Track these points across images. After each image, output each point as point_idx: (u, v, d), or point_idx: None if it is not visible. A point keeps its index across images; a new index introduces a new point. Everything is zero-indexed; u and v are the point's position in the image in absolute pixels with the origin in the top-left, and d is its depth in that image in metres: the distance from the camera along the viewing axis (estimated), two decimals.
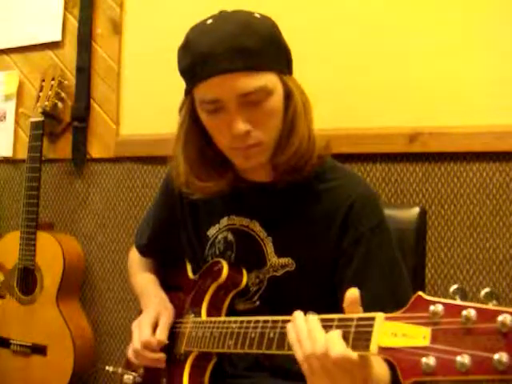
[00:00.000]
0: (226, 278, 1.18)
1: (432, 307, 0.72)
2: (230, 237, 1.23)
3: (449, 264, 1.71)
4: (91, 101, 2.25)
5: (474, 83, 1.68)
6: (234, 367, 1.22)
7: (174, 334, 1.24)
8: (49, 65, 2.29)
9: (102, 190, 2.24)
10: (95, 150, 2.25)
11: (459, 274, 1.70)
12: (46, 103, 2.18)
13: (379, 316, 0.79)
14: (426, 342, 0.71)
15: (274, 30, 1.11)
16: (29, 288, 2.11)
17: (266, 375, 1.19)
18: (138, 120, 2.17)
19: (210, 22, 1.09)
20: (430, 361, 0.69)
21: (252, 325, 1.02)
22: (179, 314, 1.26)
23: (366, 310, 0.85)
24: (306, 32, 1.84)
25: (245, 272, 1.20)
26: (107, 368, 1.33)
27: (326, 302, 1.02)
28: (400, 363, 0.73)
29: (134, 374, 1.27)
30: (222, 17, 1.10)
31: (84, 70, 2.24)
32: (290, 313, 0.92)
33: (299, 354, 0.86)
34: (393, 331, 0.76)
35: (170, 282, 1.37)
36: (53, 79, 2.21)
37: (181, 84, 1.14)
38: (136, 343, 1.20)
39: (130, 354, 1.23)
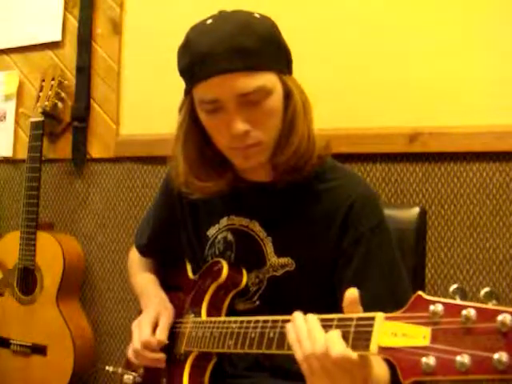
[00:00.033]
0: (226, 277, 1.18)
1: (432, 307, 0.71)
2: (230, 237, 1.23)
3: (449, 264, 1.71)
4: (91, 101, 2.25)
5: (473, 83, 1.68)
6: (234, 367, 1.21)
7: (174, 334, 1.23)
8: (49, 65, 2.29)
9: (102, 189, 2.24)
10: (95, 150, 2.25)
11: (459, 274, 1.70)
12: (46, 103, 2.18)
13: (379, 316, 0.79)
14: (426, 342, 0.71)
15: (273, 30, 1.11)
16: (29, 288, 2.11)
17: (266, 375, 1.19)
18: (137, 120, 2.17)
19: (209, 21, 1.09)
20: (429, 360, 0.69)
21: (252, 325, 1.02)
22: (179, 314, 1.26)
23: (365, 309, 0.84)
24: (305, 32, 1.84)
25: (245, 272, 1.19)
26: (107, 368, 1.33)
27: (325, 302, 1.02)
28: (400, 363, 0.73)
29: (134, 373, 1.27)
30: (221, 17, 1.10)
31: (84, 70, 2.24)
32: (289, 313, 0.92)
33: (299, 354, 0.86)
34: (393, 331, 0.76)
35: (170, 282, 1.37)
36: (53, 79, 2.21)
37: (181, 84, 1.14)
38: (136, 343, 1.20)
39: (130, 353, 1.23)
